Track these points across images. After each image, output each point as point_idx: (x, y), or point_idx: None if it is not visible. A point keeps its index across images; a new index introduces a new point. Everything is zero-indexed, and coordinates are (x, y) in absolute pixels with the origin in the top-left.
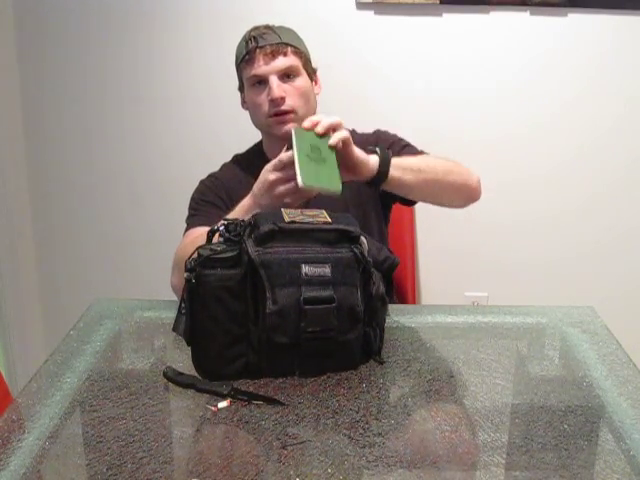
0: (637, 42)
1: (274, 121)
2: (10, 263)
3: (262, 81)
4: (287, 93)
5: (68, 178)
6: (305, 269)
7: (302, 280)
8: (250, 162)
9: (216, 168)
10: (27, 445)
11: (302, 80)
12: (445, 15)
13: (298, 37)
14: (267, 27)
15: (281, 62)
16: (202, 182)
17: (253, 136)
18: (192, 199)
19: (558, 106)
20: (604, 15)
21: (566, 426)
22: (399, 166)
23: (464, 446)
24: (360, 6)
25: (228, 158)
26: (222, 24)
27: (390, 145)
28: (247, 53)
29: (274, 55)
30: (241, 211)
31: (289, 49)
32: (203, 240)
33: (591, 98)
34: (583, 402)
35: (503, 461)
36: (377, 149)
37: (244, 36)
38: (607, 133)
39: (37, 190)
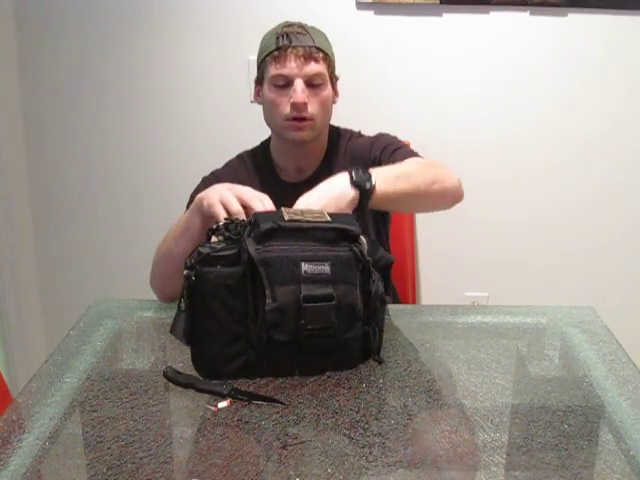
0: (637, 42)
1: (290, 125)
2: (10, 263)
3: (287, 82)
4: (310, 100)
5: (68, 178)
6: (305, 267)
7: (302, 278)
8: (255, 162)
9: (217, 167)
10: (27, 445)
11: (326, 90)
12: (445, 15)
13: (329, 42)
14: (301, 26)
15: (311, 68)
16: (204, 179)
17: (254, 135)
18: (191, 196)
19: (558, 106)
20: (604, 15)
21: (566, 426)
22: (381, 196)
23: (464, 446)
24: (360, 6)
25: (229, 157)
26: (223, 24)
27: (384, 148)
28: (277, 49)
29: (306, 59)
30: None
31: (321, 55)
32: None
33: (591, 98)
34: (583, 402)
35: (503, 461)
36: (358, 182)
37: (275, 30)
38: (607, 133)
39: (37, 190)
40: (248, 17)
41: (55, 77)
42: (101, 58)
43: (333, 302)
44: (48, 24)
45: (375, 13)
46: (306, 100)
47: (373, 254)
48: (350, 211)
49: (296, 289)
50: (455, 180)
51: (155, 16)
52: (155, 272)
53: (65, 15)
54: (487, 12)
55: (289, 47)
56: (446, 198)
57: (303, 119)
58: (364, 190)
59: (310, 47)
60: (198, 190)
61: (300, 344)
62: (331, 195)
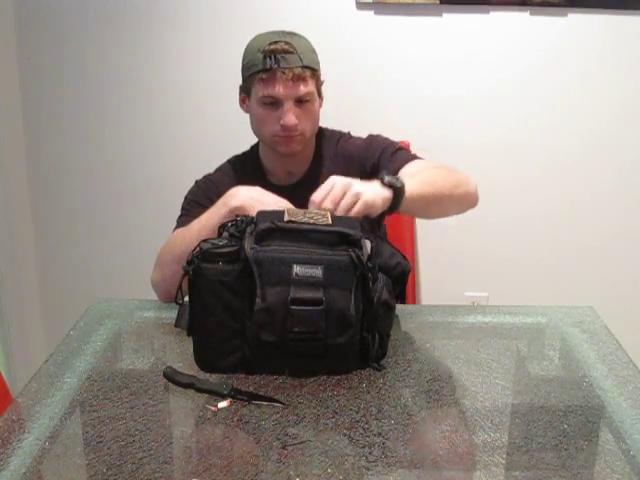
0: (637, 42)
1: (281, 140)
2: (10, 263)
3: (276, 101)
4: (299, 118)
5: (68, 178)
6: (296, 269)
7: (292, 280)
8: (244, 166)
9: (216, 168)
10: (27, 445)
11: (315, 105)
12: (445, 15)
13: (313, 51)
14: (287, 43)
15: (301, 90)
16: (197, 183)
17: (254, 136)
18: (185, 199)
19: (558, 106)
20: (604, 15)
21: (566, 426)
22: (410, 198)
23: (464, 446)
24: (360, 6)
25: (227, 157)
26: (222, 24)
27: (382, 152)
28: (265, 70)
29: (294, 82)
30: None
31: (308, 73)
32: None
33: (591, 98)
34: (583, 402)
35: (503, 461)
36: (390, 182)
37: (261, 47)
38: (606, 133)
39: (37, 190)
40: (248, 17)
41: (55, 77)
42: (101, 58)
43: (321, 307)
44: (48, 24)
45: (375, 13)
46: (296, 121)
47: (387, 260)
48: (382, 209)
49: (285, 291)
50: (473, 185)
51: (155, 16)
52: (165, 272)
53: (65, 15)
54: (487, 12)
55: (277, 70)
56: (467, 202)
57: (293, 135)
58: (397, 188)
59: (299, 67)
60: (192, 193)
61: (288, 346)
62: (370, 186)
